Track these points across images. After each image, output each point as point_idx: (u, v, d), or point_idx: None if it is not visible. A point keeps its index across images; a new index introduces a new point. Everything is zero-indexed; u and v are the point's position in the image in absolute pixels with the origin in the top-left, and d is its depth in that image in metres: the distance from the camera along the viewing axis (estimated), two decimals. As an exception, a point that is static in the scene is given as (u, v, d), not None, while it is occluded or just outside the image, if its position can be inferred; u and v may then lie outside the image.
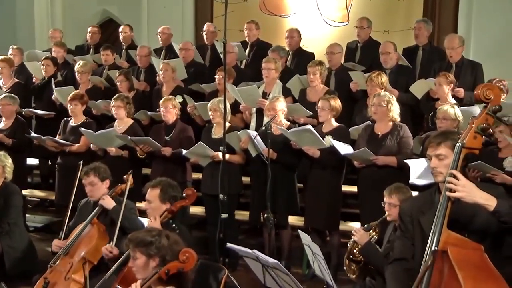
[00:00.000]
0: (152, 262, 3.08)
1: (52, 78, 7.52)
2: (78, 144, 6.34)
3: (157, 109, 6.42)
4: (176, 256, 3.04)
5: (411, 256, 2.94)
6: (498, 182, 4.65)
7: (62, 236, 4.63)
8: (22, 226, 5.55)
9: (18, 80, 7.77)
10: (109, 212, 4.54)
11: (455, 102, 5.64)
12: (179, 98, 6.36)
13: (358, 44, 7.52)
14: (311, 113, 5.92)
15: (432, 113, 5.71)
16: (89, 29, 8.78)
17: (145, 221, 4.47)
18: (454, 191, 2.57)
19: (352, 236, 4.19)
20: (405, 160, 4.93)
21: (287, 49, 7.47)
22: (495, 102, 2.65)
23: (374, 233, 4.20)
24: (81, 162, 4.98)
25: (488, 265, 2.49)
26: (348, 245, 4.30)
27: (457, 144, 2.67)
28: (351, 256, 4.25)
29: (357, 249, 4.19)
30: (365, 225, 4.27)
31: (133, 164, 6.07)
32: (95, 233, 4.45)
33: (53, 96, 7.26)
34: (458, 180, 2.56)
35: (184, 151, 5.74)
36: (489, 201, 2.56)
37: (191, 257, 3.02)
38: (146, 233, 3.19)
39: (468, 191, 2.56)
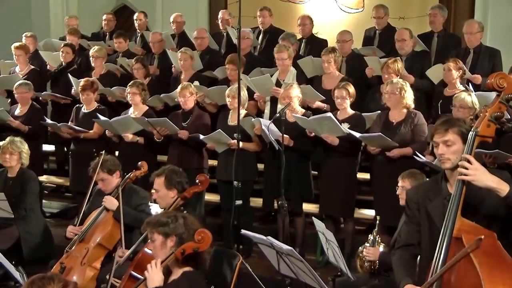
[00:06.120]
0: (169, 241, 3.12)
1: (69, 65, 7.56)
2: (92, 131, 6.37)
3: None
4: (192, 236, 3.08)
5: (417, 242, 2.95)
6: None
7: (78, 222, 4.66)
8: (39, 212, 5.61)
9: (34, 67, 7.83)
10: (113, 214, 4.45)
11: (463, 88, 5.58)
12: (196, 84, 6.38)
13: (376, 31, 7.44)
14: (323, 97, 5.90)
15: (441, 100, 5.67)
16: (104, 16, 8.82)
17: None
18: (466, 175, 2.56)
19: (366, 257, 4.07)
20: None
21: (300, 36, 7.42)
22: (509, 90, 2.63)
23: (379, 240, 4.17)
24: (96, 150, 4.98)
25: (502, 252, 2.49)
26: (358, 260, 4.21)
27: (471, 132, 2.66)
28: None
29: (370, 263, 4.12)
30: (368, 243, 4.16)
31: (148, 150, 6.10)
32: (110, 219, 4.48)
33: (72, 90, 7.21)
34: (471, 164, 2.56)
35: (201, 136, 5.75)
36: (501, 186, 2.55)
37: (206, 237, 3.05)
38: (163, 215, 3.28)
39: (480, 174, 2.55)
